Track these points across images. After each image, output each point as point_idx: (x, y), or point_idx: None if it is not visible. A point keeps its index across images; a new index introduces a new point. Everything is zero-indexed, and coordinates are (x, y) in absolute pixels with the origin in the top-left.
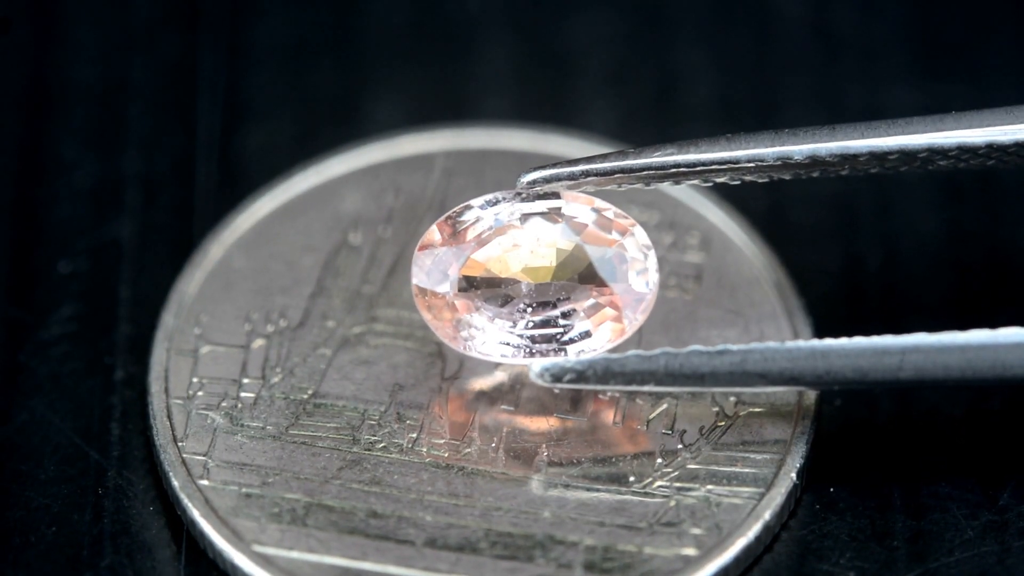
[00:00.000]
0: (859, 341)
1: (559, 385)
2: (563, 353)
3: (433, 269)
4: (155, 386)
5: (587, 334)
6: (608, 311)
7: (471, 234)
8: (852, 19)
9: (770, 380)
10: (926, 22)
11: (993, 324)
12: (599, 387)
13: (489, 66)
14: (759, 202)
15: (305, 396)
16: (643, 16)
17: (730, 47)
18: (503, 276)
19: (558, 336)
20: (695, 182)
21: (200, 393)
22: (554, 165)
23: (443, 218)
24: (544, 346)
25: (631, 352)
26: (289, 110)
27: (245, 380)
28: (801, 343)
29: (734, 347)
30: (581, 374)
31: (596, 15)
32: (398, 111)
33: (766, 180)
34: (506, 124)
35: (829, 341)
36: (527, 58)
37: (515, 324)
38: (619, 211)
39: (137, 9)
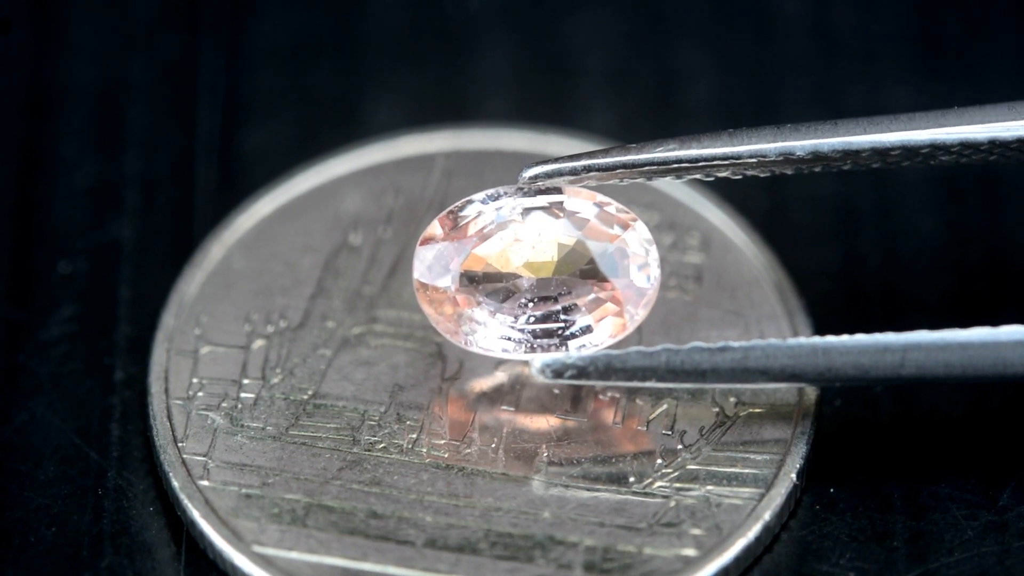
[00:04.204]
0: (860, 338)
1: (560, 381)
2: (564, 348)
3: (435, 264)
4: (155, 387)
5: (588, 329)
6: (609, 306)
7: (473, 229)
8: (852, 19)
9: (771, 377)
10: (926, 22)
11: (993, 325)
12: (600, 383)
13: (489, 66)
14: (759, 203)
15: (305, 397)
16: (643, 16)
17: (730, 47)
18: (505, 271)
19: (559, 331)
20: (696, 177)
21: (200, 394)
22: (556, 160)
23: (445, 213)
24: (545, 341)
25: (632, 348)
26: (289, 110)
27: (245, 381)
28: (802, 340)
29: (735, 344)
30: (582, 370)
31: (596, 15)
32: (398, 111)
33: (767, 175)
34: (506, 124)
35: (830, 338)
36: (527, 58)
37: (516, 319)
38: (621, 206)
39: (137, 9)
